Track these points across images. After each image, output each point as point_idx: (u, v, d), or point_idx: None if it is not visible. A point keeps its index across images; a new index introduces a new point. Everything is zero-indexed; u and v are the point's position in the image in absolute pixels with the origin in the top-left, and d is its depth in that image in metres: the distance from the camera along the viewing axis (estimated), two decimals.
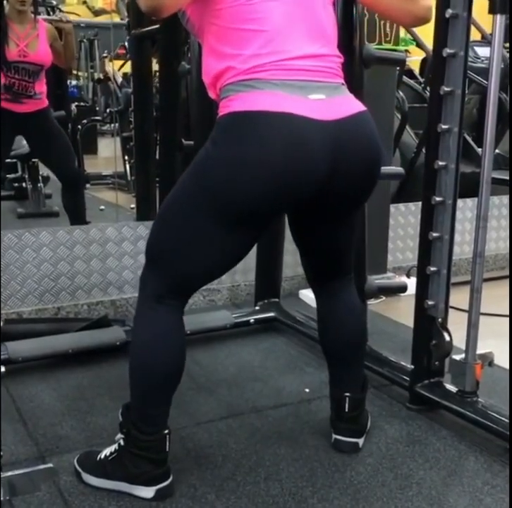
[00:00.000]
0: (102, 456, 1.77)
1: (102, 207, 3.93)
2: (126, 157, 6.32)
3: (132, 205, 3.98)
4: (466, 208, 3.66)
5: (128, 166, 6.32)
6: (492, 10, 1.90)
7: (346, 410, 1.92)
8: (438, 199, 2.05)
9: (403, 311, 2.95)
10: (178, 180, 1.66)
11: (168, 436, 1.71)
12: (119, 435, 1.76)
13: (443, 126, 2.01)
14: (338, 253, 1.82)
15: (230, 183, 1.51)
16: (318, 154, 1.50)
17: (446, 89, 2.00)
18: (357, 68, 2.41)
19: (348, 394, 1.92)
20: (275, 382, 2.38)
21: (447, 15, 1.95)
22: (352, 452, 1.93)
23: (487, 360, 2.10)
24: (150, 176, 3.88)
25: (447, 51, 1.98)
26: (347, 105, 1.58)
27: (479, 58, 5.43)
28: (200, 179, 1.56)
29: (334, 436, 1.95)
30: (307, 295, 3.21)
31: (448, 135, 2.02)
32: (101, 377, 2.40)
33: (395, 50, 2.90)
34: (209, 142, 1.56)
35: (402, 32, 3.09)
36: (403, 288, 2.58)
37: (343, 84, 1.61)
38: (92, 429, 2.05)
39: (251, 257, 2.98)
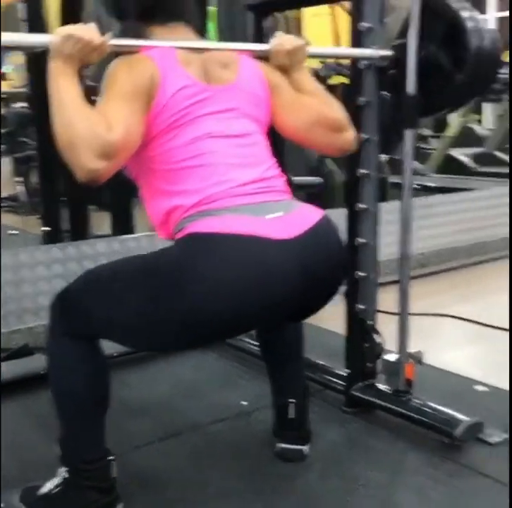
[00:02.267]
0: (45, 491, 1.69)
1: (13, 231, 3.77)
2: (19, 179, 6.16)
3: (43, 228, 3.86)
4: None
5: (22, 188, 6.15)
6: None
7: (291, 416, 1.93)
8: (361, 206, 2.10)
9: (325, 317, 2.99)
10: (117, 263, 1.60)
11: (112, 462, 1.67)
12: (62, 468, 1.70)
13: (364, 136, 2.07)
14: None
15: (188, 303, 1.44)
16: (284, 274, 1.46)
17: (362, 99, 2.05)
18: None
19: (292, 400, 1.93)
20: (210, 397, 2.36)
21: None
22: (299, 460, 1.93)
23: (417, 359, 2.17)
24: (57, 197, 3.77)
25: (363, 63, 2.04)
26: (304, 219, 1.54)
27: None
28: (153, 283, 1.48)
29: (279, 445, 1.95)
30: None
31: (368, 145, 2.08)
32: (29, 409, 2.29)
33: None
34: (168, 254, 1.50)
35: None
36: None
37: (292, 200, 1.60)
38: (27, 464, 1.96)
39: None
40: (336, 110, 1.72)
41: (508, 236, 4.56)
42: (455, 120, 6.89)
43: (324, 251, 1.55)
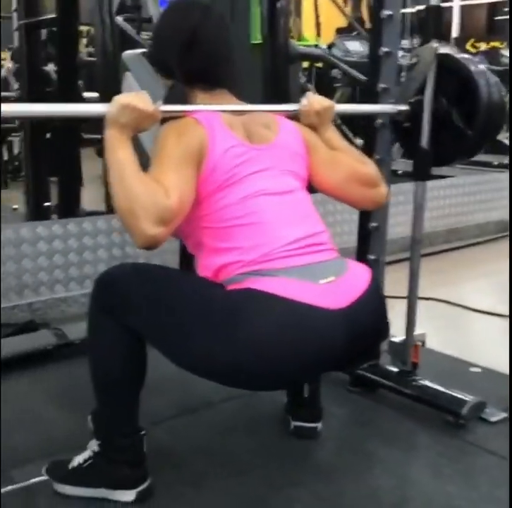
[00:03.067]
0: (75, 465, 1.73)
1: (15, 206, 3.72)
2: None
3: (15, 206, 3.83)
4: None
5: None
6: None
7: (305, 395, 2.00)
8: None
9: None
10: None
11: (144, 437, 1.71)
12: (92, 442, 1.73)
13: (379, 121, 2.13)
14: None
15: (235, 362, 1.46)
16: (333, 342, 1.49)
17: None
18: (283, 64, 2.49)
19: None
20: None
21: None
22: (313, 437, 2.00)
23: (421, 341, 2.25)
24: (43, 172, 3.74)
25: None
26: (355, 283, 1.58)
27: (349, 52, 5.70)
28: (206, 312, 1.50)
29: (294, 423, 2.02)
30: None
31: (383, 130, 2.14)
32: (39, 384, 2.32)
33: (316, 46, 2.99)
34: (225, 302, 1.50)
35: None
36: None
37: (339, 257, 1.64)
38: (46, 437, 1.99)
39: None
40: (369, 166, 1.81)
41: (482, 222, 4.76)
42: None
43: (370, 321, 1.59)
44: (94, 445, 1.72)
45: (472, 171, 5.24)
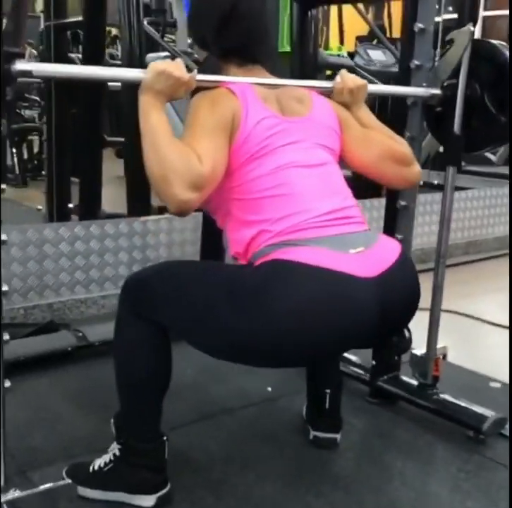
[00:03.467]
0: (96, 468, 1.73)
1: (40, 207, 3.74)
2: (14, 150, 6.10)
3: (39, 206, 3.87)
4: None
5: (15, 160, 6.10)
6: None
7: (326, 406, 1.99)
8: (402, 203, 2.16)
9: None
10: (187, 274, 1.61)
11: (166, 442, 1.71)
12: (114, 445, 1.73)
13: (408, 134, 2.13)
14: None
15: (267, 332, 1.45)
16: (365, 311, 1.49)
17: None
18: (311, 73, 2.49)
19: (328, 391, 1.99)
20: (236, 382, 2.40)
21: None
22: (332, 447, 2.00)
23: (442, 354, 2.24)
24: (65, 173, 3.77)
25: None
26: (385, 255, 1.58)
27: (372, 61, 5.69)
28: (234, 294, 1.49)
29: (313, 433, 2.02)
30: None
31: (412, 143, 2.13)
32: (59, 384, 2.33)
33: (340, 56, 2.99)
34: (252, 278, 1.50)
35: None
36: None
37: (369, 229, 1.64)
38: (66, 439, 1.99)
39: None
40: (403, 144, 1.80)
41: (501, 235, 4.74)
42: None
43: (402, 292, 1.58)
44: (115, 448, 1.73)
45: (493, 183, 5.21)
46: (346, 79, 1.79)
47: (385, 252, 1.59)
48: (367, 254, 1.53)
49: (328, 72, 4.63)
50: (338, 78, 1.79)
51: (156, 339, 1.64)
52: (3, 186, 1.31)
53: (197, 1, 1.76)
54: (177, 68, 1.47)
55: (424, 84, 2.07)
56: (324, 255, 1.48)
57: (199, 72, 1.56)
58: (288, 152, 1.58)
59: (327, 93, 1.79)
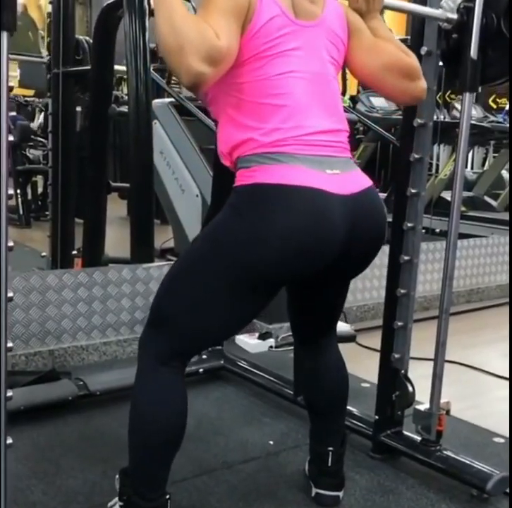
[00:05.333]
0: None
1: (44, 253, 3.76)
2: (18, 191, 6.14)
3: (44, 253, 3.88)
4: None
5: (19, 200, 6.14)
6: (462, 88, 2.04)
7: (329, 464, 1.97)
8: (406, 258, 2.17)
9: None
10: (191, 245, 1.66)
11: (168, 501, 1.69)
12: (115, 500, 1.71)
13: (413, 190, 2.14)
14: (335, 309, 1.90)
15: (253, 252, 1.53)
16: (338, 226, 1.56)
17: (415, 156, 2.13)
18: None
19: (331, 449, 1.96)
20: (237, 434, 2.38)
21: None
22: (334, 505, 1.97)
23: (445, 409, 2.22)
24: (70, 218, 3.79)
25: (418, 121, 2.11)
26: (358, 180, 1.65)
27: (374, 108, 5.77)
28: (220, 246, 1.57)
29: (316, 490, 1.99)
30: (244, 340, 3.25)
31: (416, 199, 2.15)
32: (59, 435, 2.30)
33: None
34: (230, 210, 1.58)
35: None
36: (352, 337, 2.67)
37: (351, 158, 1.69)
38: (65, 492, 1.97)
39: None
40: (412, 57, 1.76)
41: (504, 283, 4.74)
42: (445, 161, 7.02)
43: (374, 213, 1.66)
44: (116, 504, 1.71)
45: (496, 230, 5.24)
46: None
47: (358, 179, 1.66)
48: (341, 176, 1.59)
49: None
50: None
51: (180, 396, 1.65)
52: (11, 244, 1.31)
53: None
54: None
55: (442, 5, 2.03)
56: (300, 172, 1.54)
57: None
58: (293, 58, 1.57)
59: None
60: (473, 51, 1.98)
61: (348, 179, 1.61)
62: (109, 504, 1.72)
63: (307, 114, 1.58)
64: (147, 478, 1.66)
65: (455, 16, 2.01)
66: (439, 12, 2.03)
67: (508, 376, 3.12)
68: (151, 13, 3.03)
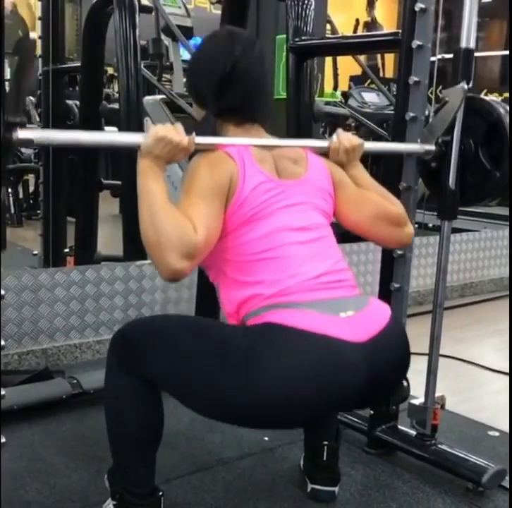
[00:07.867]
0: None
1: (36, 252, 3.74)
2: (10, 190, 6.11)
3: (35, 252, 3.86)
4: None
5: (11, 199, 6.11)
6: None
7: (324, 458, 1.96)
8: (399, 252, 2.16)
9: None
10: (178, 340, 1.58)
11: (162, 498, 1.68)
12: (108, 501, 1.71)
13: (405, 184, 2.14)
14: None
15: (262, 396, 1.46)
16: (352, 377, 1.50)
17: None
18: (307, 122, 2.51)
19: (326, 443, 1.96)
20: (232, 431, 2.36)
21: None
22: (330, 501, 1.97)
23: (440, 403, 2.22)
24: (61, 215, 3.77)
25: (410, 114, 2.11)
26: (375, 319, 1.59)
27: (366, 104, 5.76)
28: (225, 369, 1.48)
29: (311, 485, 1.98)
30: None
31: (408, 194, 2.14)
32: (53, 434, 2.29)
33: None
34: (243, 341, 1.49)
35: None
36: None
37: (360, 293, 1.67)
38: (59, 491, 1.95)
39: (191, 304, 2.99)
40: (397, 205, 1.81)
41: (497, 277, 4.74)
42: None
43: (391, 358, 1.59)
44: (110, 504, 1.70)
45: (489, 224, 5.25)
46: (342, 138, 1.78)
47: (375, 316, 1.59)
48: (357, 318, 1.54)
49: None
50: (334, 137, 1.79)
51: (144, 391, 1.61)
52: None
53: (197, 57, 1.74)
54: (177, 133, 1.47)
55: (419, 140, 2.09)
56: (314, 318, 1.49)
57: (197, 129, 1.56)
58: (282, 215, 1.59)
59: (323, 152, 1.79)
60: (452, 181, 2.05)
61: (364, 320, 1.55)
62: (105, 505, 1.71)
63: (303, 261, 1.58)
64: (131, 474, 1.65)
65: (433, 148, 2.07)
66: (418, 146, 2.08)
67: (503, 370, 3.13)
68: (142, 9, 3.02)
